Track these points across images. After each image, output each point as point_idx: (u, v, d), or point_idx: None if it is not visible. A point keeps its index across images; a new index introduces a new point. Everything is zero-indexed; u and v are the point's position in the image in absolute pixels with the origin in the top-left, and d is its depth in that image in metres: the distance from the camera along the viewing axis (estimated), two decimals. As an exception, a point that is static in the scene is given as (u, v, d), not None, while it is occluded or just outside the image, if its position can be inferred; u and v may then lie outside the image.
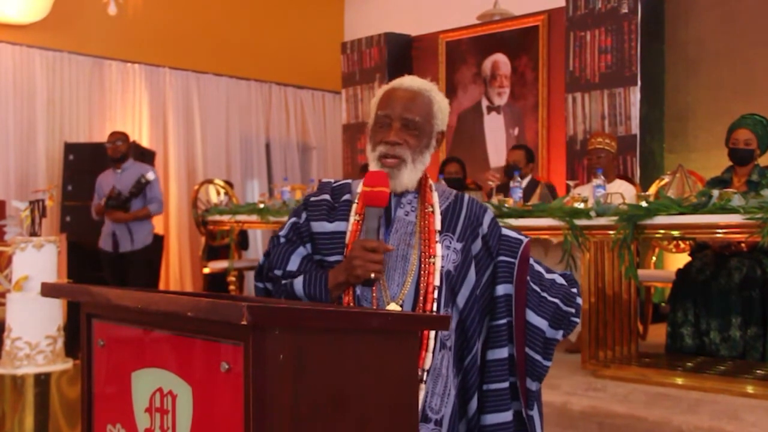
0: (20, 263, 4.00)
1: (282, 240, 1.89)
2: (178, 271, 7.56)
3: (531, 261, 1.92)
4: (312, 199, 1.92)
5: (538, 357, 1.87)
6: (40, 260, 4.01)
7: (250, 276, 7.98)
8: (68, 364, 4.06)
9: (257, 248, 8.30)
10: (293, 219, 1.90)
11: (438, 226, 1.85)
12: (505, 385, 1.86)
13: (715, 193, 3.60)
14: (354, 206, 1.86)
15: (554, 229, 4.11)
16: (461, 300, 1.84)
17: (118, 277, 5.93)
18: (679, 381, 3.72)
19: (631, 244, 3.86)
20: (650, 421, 3.25)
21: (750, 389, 3.53)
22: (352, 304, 1.78)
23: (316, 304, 1.79)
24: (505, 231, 1.94)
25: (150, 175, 5.94)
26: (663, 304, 5.29)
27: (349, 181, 1.95)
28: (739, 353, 4.10)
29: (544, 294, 1.89)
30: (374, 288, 1.77)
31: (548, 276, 1.94)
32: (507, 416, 1.85)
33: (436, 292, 1.78)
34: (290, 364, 1.26)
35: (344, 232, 1.84)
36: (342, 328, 1.37)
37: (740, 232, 3.55)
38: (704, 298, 4.23)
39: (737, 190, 3.82)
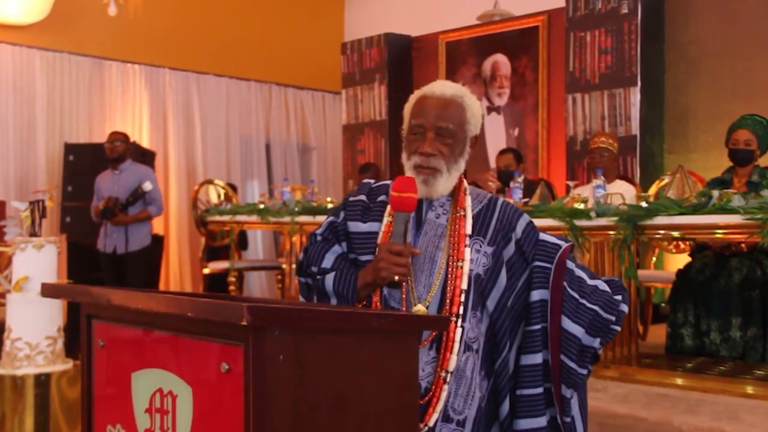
0: (20, 264, 4.00)
1: (319, 238, 1.95)
2: (178, 271, 7.55)
3: (572, 266, 1.88)
4: (351, 198, 1.98)
5: (573, 365, 1.83)
6: (40, 261, 4.01)
7: (250, 276, 7.99)
8: (68, 365, 4.05)
9: (257, 248, 8.30)
10: (331, 218, 1.97)
11: (469, 230, 1.86)
12: (539, 390, 1.83)
13: (715, 193, 3.59)
14: (388, 207, 1.90)
15: (554, 229, 4.11)
16: (491, 304, 1.84)
17: (117, 278, 5.93)
18: (679, 381, 3.72)
19: (631, 245, 3.86)
20: (650, 421, 3.24)
21: (750, 389, 3.53)
22: (379, 304, 1.82)
23: (316, 304, 1.81)
24: (543, 236, 1.92)
25: (147, 186, 5.92)
26: (663, 305, 5.29)
27: (388, 182, 1.96)
28: (739, 354, 4.10)
29: (583, 301, 1.85)
30: (403, 289, 1.81)
31: (591, 282, 1.89)
32: (541, 422, 1.83)
33: (463, 296, 1.80)
34: (290, 364, 1.26)
35: (377, 233, 1.88)
36: (342, 329, 1.38)
37: (740, 233, 3.55)
38: (704, 298, 4.23)
39: (737, 190, 3.82)
